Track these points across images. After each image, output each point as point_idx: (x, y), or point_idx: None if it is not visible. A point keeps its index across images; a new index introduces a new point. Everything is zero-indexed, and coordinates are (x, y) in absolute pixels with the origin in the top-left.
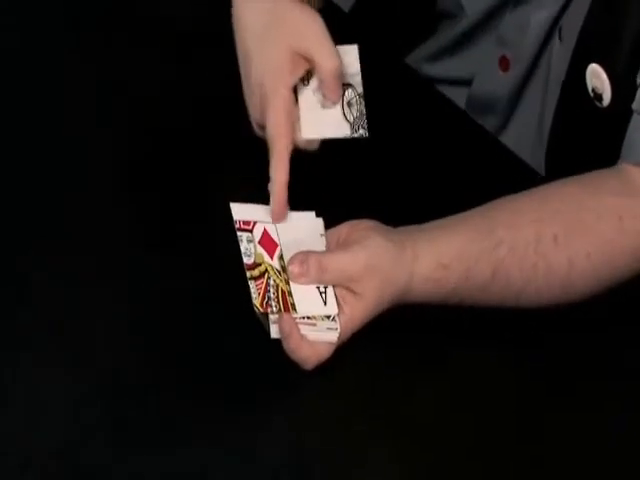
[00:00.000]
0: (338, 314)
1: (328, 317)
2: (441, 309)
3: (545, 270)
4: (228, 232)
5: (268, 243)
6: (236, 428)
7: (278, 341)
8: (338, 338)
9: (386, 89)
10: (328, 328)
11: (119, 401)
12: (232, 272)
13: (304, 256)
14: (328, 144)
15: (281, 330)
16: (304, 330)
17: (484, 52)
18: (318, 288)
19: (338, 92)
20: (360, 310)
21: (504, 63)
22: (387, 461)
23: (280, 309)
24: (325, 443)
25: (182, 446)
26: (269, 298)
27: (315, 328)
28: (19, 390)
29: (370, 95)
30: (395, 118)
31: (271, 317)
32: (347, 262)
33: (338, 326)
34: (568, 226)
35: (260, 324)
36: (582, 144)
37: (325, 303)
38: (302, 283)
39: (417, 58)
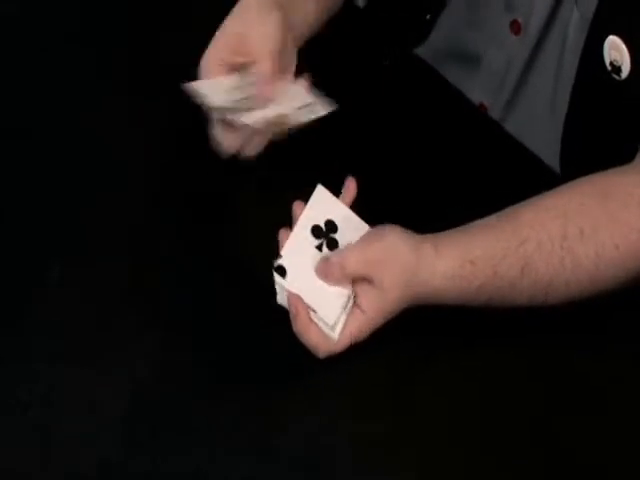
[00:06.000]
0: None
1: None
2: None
3: (573, 264)
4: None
5: None
6: (252, 425)
7: (294, 340)
8: (337, 342)
9: (400, 85)
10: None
11: (135, 399)
12: (250, 271)
13: (327, 261)
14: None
15: (289, 309)
16: (312, 316)
17: (495, 18)
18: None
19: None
20: (380, 304)
21: (516, 26)
22: (404, 459)
23: None
24: (341, 440)
25: (199, 445)
26: None
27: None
28: (37, 390)
29: (384, 91)
30: (409, 114)
31: (277, 280)
32: (365, 250)
33: (335, 336)
34: (594, 218)
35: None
36: (599, 118)
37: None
38: (331, 283)
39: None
